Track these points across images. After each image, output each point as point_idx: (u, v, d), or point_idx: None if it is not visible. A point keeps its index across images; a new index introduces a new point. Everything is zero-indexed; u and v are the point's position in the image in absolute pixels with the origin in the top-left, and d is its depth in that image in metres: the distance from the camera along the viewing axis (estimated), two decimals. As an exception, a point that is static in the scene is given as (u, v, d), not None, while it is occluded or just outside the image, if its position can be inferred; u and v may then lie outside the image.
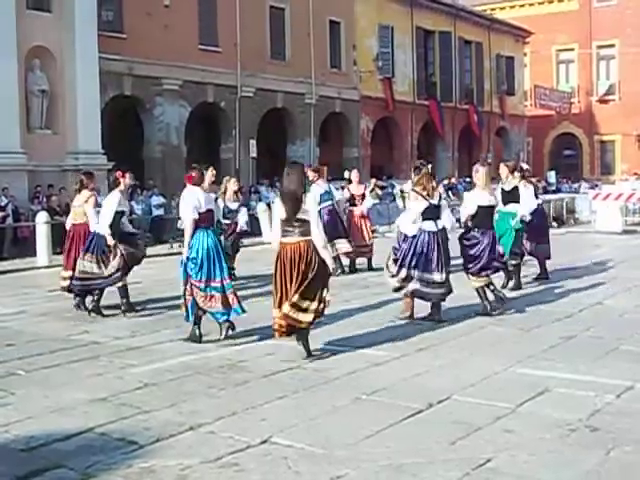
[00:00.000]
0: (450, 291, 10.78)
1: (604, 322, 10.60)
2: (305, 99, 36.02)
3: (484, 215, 11.41)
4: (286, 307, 8.45)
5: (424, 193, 10.69)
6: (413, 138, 43.27)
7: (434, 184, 10.96)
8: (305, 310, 8.50)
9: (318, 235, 8.60)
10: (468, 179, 40.56)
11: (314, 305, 8.53)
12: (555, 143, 58.70)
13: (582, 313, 11.33)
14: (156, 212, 26.95)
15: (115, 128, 28.24)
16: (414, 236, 10.60)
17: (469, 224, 11.51)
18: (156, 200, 27.19)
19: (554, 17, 55.69)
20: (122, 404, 7.04)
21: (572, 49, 57.31)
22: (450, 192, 34.95)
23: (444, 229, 10.77)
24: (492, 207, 11.60)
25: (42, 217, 20.51)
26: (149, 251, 22.95)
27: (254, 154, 33.10)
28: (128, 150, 28.70)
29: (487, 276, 11.34)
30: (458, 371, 8.06)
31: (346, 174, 17.72)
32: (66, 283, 12.83)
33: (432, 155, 43.28)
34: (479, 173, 11.67)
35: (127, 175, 12.62)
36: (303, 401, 7.09)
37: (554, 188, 46.12)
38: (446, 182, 36.19)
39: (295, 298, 8.44)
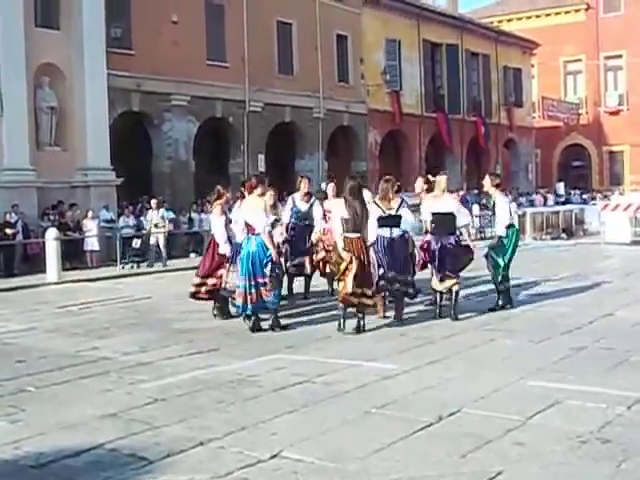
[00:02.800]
0: (412, 293, 11.79)
1: (614, 333, 10.56)
2: (313, 113, 36.08)
3: (439, 222, 11.88)
4: None
5: (381, 204, 11.71)
6: (421, 151, 43.27)
7: (390, 195, 11.80)
8: None
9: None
10: (477, 191, 40.64)
11: None
12: (564, 154, 58.63)
13: (592, 324, 11.30)
14: (165, 227, 26.96)
15: (124, 144, 28.29)
16: (376, 240, 11.57)
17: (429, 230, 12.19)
18: (165, 215, 27.18)
19: (561, 28, 55.73)
20: (132, 420, 7.03)
21: (579, 60, 57.30)
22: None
23: (403, 235, 11.76)
24: (449, 214, 11.89)
25: (52, 233, 20.58)
26: (156, 266, 23.15)
27: (263, 169, 33.09)
28: (137, 166, 28.79)
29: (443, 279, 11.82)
30: (468, 384, 8.04)
31: (323, 186, 16.07)
32: (193, 289, 12.73)
33: (441, 167, 43.14)
34: (436, 182, 12.39)
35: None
36: (313, 415, 7.07)
37: (563, 199, 46.10)
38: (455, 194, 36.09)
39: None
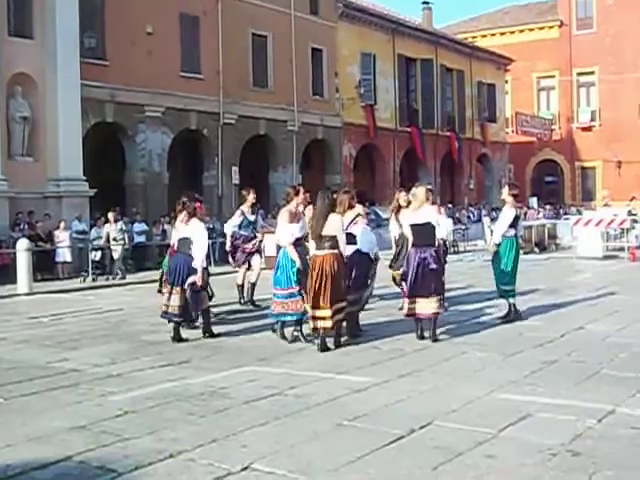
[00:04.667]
0: (356, 310, 11.79)
1: (586, 347, 10.60)
2: (288, 126, 36.10)
3: (416, 233, 11.45)
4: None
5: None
6: (395, 164, 43.39)
7: (346, 207, 11.74)
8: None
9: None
10: (450, 205, 40.80)
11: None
12: (537, 170, 59.02)
13: (564, 338, 11.34)
14: (138, 239, 26.87)
15: (97, 155, 28.23)
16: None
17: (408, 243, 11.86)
18: (138, 227, 27.12)
19: (535, 45, 56.19)
20: (101, 432, 6.96)
21: (553, 76, 57.81)
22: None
23: (358, 252, 11.72)
24: (425, 225, 11.36)
25: (23, 244, 20.43)
26: (129, 278, 23.03)
27: (237, 181, 33.06)
28: (110, 177, 28.71)
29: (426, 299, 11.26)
30: (440, 397, 8.03)
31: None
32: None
33: (414, 181, 43.32)
34: (414, 194, 11.88)
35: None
36: (284, 427, 7.03)
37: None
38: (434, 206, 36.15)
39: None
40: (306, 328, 11.20)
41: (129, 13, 28.35)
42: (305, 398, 8.04)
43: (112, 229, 23.86)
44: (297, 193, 11.86)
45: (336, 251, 10.71)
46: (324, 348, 10.65)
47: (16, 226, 23.48)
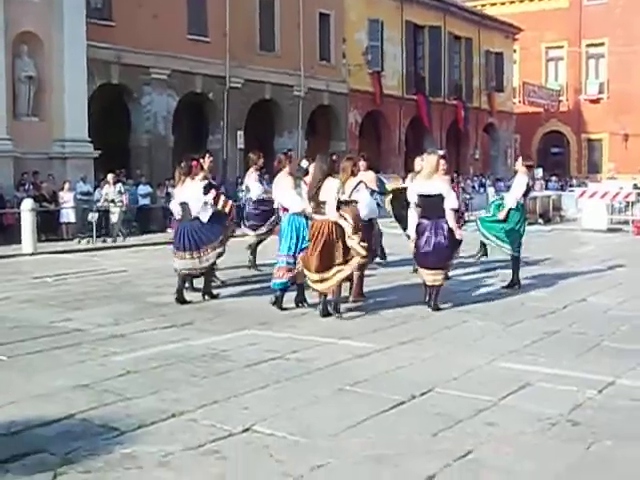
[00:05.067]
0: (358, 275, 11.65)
1: (588, 318, 10.63)
2: (294, 91, 35.95)
3: (425, 204, 11.28)
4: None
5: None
6: (401, 132, 43.25)
7: (348, 174, 11.51)
8: None
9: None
10: (455, 174, 40.68)
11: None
12: (543, 141, 58.82)
13: (566, 309, 11.37)
14: (142, 201, 26.88)
15: (102, 116, 28.15)
16: None
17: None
18: (143, 189, 27.11)
19: (544, 14, 55.77)
20: (104, 391, 7.01)
21: (561, 47, 57.44)
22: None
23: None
24: (435, 196, 11.09)
25: (28, 204, 20.45)
26: (133, 240, 23.07)
27: (242, 145, 33.00)
28: (115, 139, 28.65)
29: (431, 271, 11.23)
30: (441, 364, 8.07)
31: (303, 163, 16.12)
32: None
33: (419, 150, 43.26)
34: (425, 160, 11.70)
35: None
36: (285, 391, 7.08)
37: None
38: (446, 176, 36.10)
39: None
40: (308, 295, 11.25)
41: (137, -26, 28.17)
42: (306, 362, 8.08)
43: (110, 191, 23.77)
44: (289, 159, 11.81)
45: (329, 217, 10.44)
46: (325, 313, 10.60)
47: (21, 186, 23.47)
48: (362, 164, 15.05)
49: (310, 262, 10.45)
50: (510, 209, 12.99)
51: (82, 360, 8.24)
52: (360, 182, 11.85)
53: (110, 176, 24.03)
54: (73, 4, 24.70)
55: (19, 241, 20.19)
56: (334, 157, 11.55)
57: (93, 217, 23.39)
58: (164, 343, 9.00)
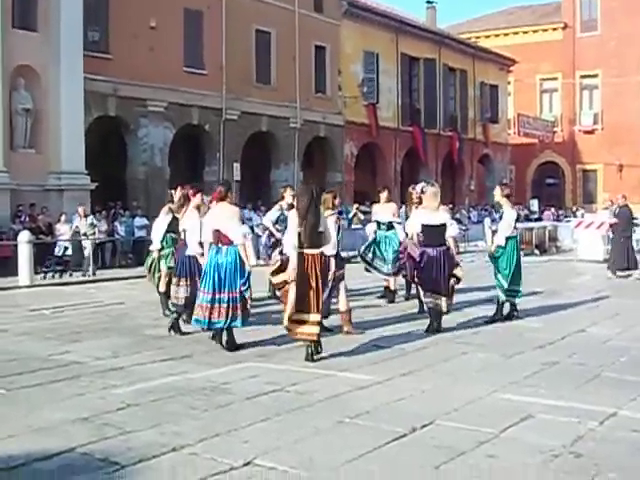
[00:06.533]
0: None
1: (587, 349, 10.62)
2: (290, 123, 36.10)
3: (430, 234, 11.83)
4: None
5: None
6: (397, 164, 43.40)
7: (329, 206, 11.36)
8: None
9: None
10: (451, 205, 40.73)
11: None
12: (538, 172, 59.04)
13: (564, 340, 11.35)
14: (139, 233, 26.84)
15: (99, 149, 28.22)
16: None
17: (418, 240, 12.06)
18: (139, 221, 27.09)
19: (538, 46, 56.16)
20: (104, 424, 6.97)
21: (556, 78, 57.82)
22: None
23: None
24: (440, 226, 11.83)
25: (24, 236, 20.43)
26: (130, 272, 22.99)
27: (238, 177, 33.08)
28: (111, 171, 28.72)
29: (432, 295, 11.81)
30: (441, 396, 8.04)
31: (287, 197, 15.17)
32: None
33: (415, 182, 43.33)
34: (427, 193, 12.25)
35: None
36: (286, 423, 7.04)
37: (536, 216, 46.36)
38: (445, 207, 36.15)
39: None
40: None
41: (133, 7, 28.35)
42: (307, 395, 8.05)
43: (82, 224, 23.33)
44: (229, 190, 11.04)
45: (323, 250, 9.96)
46: (312, 358, 9.81)
47: (17, 218, 23.47)
48: (384, 196, 15.80)
49: (309, 301, 9.72)
50: (500, 246, 12.93)
51: (81, 393, 8.20)
52: (333, 214, 11.44)
53: (80, 208, 23.52)
54: (70, 37, 24.85)
55: (15, 273, 20.14)
56: (335, 196, 11.61)
57: (59, 251, 22.92)
58: (163, 376, 8.96)
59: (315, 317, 9.75)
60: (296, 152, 36.61)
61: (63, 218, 23.67)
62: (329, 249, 10.23)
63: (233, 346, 10.58)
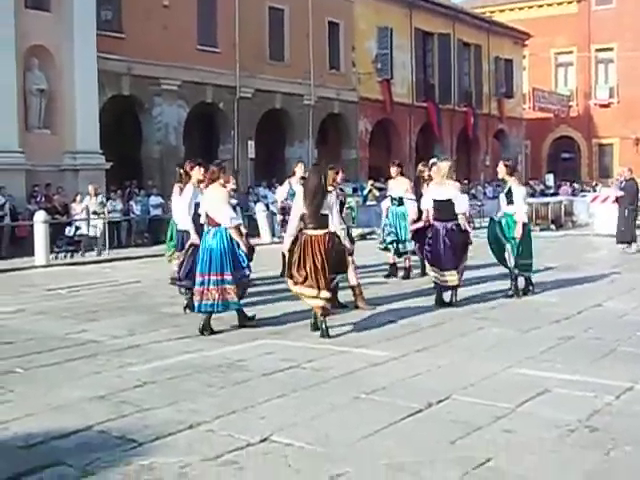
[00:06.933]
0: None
1: (603, 324, 10.59)
2: (304, 100, 36.02)
3: (438, 208, 12.00)
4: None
5: None
6: (411, 140, 43.27)
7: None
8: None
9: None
10: (466, 181, 40.60)
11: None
12: (553, 146, 58.76)
13: (581, 315, 11.33)
14: (154, 212, 26.92)
15: (113, 128, 28.22)
16: None
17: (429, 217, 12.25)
18: (154, 200, 27.15)
19: (553, 20, 55.75)
20: (121, 402, 7.02)
21: (571, 52, 57.40)
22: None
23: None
24: (446, 201, 11.90)
25: (40, 216, 20.48)
26: (146, 251, 23.07)
27: (252, 155, 33.09)
28: (126, 150, 28.74)
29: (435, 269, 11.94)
30: (457, 371, 8.05)
31: (298, 171, 15.56)
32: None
33: (430, 157, 43.17)
34: (437, 167, 12.51)
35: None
36: (302, 400, 7.07)
37: (552, 191, 46.19)
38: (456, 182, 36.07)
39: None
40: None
41: (146, -15, 28.30)
42: (322, 371, 8.07)
43: (92, 203, 23.17)
44: (223, 170, 10.75)
45: (331, 229, 9.99)
46: (327, 333, 9.91)
47: (32, 198, 23.55)
48: (394, 170, 15.75)
49: (318, 279, 9.78)
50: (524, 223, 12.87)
51: (98, 371, 8.25)
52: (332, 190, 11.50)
53: (91, 187, 23.41)
54: (83, 17, 24.83)
55: (32, 253, 20.22)
56: (337, 171, 11.15)
57: (70, 231, 22.87)
58: (180, 353, 9.00)
59: (325, 294, 9.77)
60: (310, 129, 36.54)
61: (78, 198, 23.70)
62: (336, 228, 10.19)
63: (242, 324, 10.56)
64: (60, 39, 24.66)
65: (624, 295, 13.23)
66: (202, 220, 10.62)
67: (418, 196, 14.16)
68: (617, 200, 22.72)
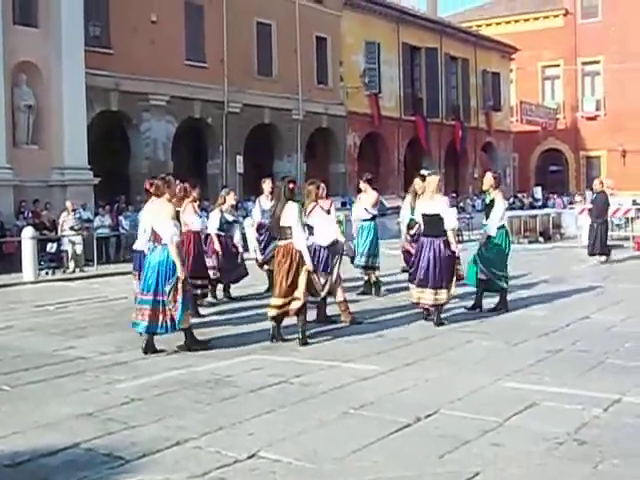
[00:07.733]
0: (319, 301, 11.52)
1: (591, 336, 10.60)
2: (292, 115, 36.10)
3: (426, 223, 11.77)
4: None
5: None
6: (400, 154, 43.38)
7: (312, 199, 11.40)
8: None
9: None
10: (454, 194, 40.74)
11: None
12: (541, 159, 58.98)
13: (569, 327, 11.33)
14: (142, 227, 26.79)
15: (101, 143, 28.20)
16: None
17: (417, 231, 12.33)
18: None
19: (539, 34, 56.06)
20: (108, 419, 6.99)
21: (557, 65, 57.71)
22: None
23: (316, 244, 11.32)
24: (434, 216, 11.53)
25: (28, 232, 20.44)
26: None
27: (241, 170, 33.09)
28: (114, 165, 28.73)
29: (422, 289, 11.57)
30: (445, 385, 8.05)
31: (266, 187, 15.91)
32: None
33: (418, 171, 43.25)
34: (427, 182, 12.17)
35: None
36: (290, 415, 7.05)
37: (540, 203, 46.34)
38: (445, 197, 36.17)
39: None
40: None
41: (133, 1, 28.40)
42: (311, 386, 8.06)
43: (69, 218, 22.91)
44: (168, 184, 10.28)
45: (294, 242, 10.20)
46: (274, 337, 10.50)
47: (20, 214, 23.49)
48: (363, 185, 15.19)
49: (274, 286, 10.47)
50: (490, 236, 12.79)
51: (86, 388, 8.22)
52: (315, 206, 11.45)
53: (69, 203, 23.16)
54: (71, 33, 24.82)
55: (20, 269, 20.16)
56: (291, 182, 10.75)
57: (52, 247, 22.62)
58: (167, 370, 8.97)
59: (297, 294, 10.18)
60: (299, 143, 36.60)
61: (64, 214, 23.59)
62: (297, 243, 10.19)
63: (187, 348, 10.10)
64: (48, 55, 24.65)
65: (612, 307, 13.24)
66: (146, 237, 10.35)
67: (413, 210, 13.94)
68: (589, 212, 22.88)
